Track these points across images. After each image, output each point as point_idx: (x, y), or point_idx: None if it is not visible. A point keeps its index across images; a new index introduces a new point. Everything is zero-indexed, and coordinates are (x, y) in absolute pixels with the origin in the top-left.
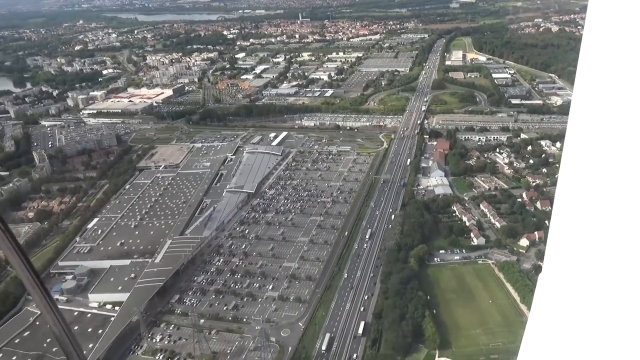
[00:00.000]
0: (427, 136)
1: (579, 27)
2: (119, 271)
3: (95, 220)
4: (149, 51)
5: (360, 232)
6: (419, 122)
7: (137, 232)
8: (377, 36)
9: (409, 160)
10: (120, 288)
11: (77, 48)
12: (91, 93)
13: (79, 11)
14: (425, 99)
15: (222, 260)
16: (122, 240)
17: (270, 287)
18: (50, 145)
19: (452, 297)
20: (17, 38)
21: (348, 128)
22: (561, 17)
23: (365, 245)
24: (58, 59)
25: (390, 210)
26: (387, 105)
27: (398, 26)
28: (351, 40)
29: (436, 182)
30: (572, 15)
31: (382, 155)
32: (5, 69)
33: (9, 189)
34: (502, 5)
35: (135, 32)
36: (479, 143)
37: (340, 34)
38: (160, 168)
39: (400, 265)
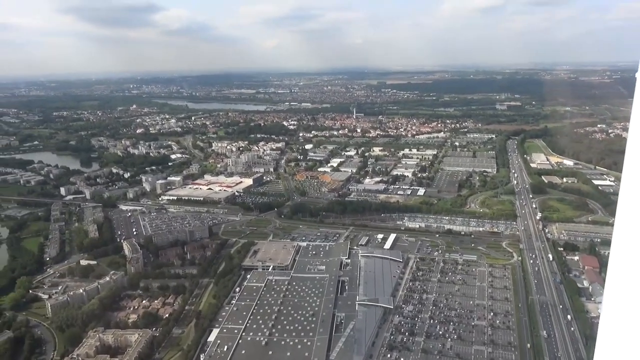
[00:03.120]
0: (562, 248)
1: None
2: None
3: (216, 332)
4: (212, 137)
5: None
6: (538, 230)
7: (270, 352)
8: (442, 134)
9: (557, 278)
10: None
11: (138, 131)
12: (169, 178)
13: (130, 96)
14: (533, 205)
15: None
16: None
17: None
18: (135, 233)
19: None
20: (76, 118)
21: (463, 233)
22: (622, 123)
23: None
24: (123, 141)
25: (571, 345)
26: (493, 209)
27: (457, 125)
28: (417, 137)
29: None
30: None
31: (520, 269)
32: (70, 148)
33: (106, 283)
34: (554, 109)
35: (193, 118)
36: None
37: (402, 130)
38: (270, 269)
39: None
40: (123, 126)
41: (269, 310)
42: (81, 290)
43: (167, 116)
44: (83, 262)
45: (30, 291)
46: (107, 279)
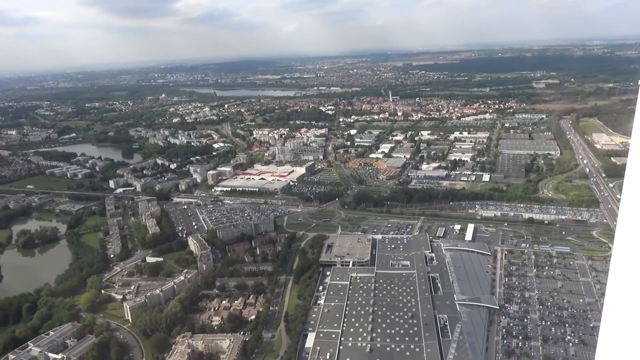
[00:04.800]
0: None
1: None
2: None
3: (311, 337)
4: (251, 125)
5: None
6: None
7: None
8: (487, 115)
9: None
10: None
11: (174, 120)
12: (218, 168)
13: (156, 86)
14: (612, 189)
15: None
16: None
17: None
18: (195, 227)
19: None
20: (108, 109)
21: (546, 222)
22: None
23: None
24: (162, 131)
25: None
26: (570, 195)
27: (500, 106)
28: (462, 119)
29: None
30: None
31: None
32: (109, 140)
33: (181, 283)
34: (597, 86)
35: (226, 105)
36: None
37: (445, 112)
38: (350, 265)
39: None
40: (157, 116)
41: (362, 312)
42: (158, 291)
43: (199, 104)
44: (149, 259)
45: (103, 291)
46: (182, 278)
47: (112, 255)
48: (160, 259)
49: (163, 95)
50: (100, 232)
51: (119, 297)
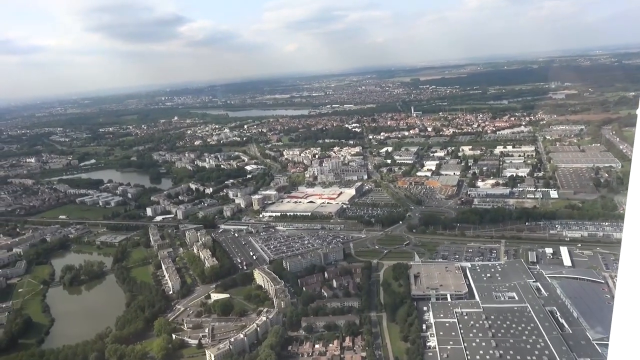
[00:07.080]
0: None
1: None
2: None
3: None
4: (278, 145)
5: None
6: None
7: None
8: (523, 127)
9: None
10: None
11: (196, 143)
12: (261, 192)
13: (165, 108)
14: None
15: None
16: None
17: None
18: (254, 257)
19: None
20: (123, 134)
21: None
22: None
23: None
24: (187, 154)
25: None
26: None
27: (531, 118)
28: (499, 133)
29: None
30: None
31: None
32: (134, 165)
33: (263, 325)
34: (620, 95)
35: (246, 126)
36: None
37: (475, 126)
38: (449, 299)
39: None
40: (176, 138)
41: (487, 357)
42: (241, 336)
43: (217, 126)
44: (214, 296)
45: (174, 335)
46: (263, 318)
47: (170, 292)
48: (227, 296)
49: (176, 118)
50: (150, 265)
51: (194, 342)
